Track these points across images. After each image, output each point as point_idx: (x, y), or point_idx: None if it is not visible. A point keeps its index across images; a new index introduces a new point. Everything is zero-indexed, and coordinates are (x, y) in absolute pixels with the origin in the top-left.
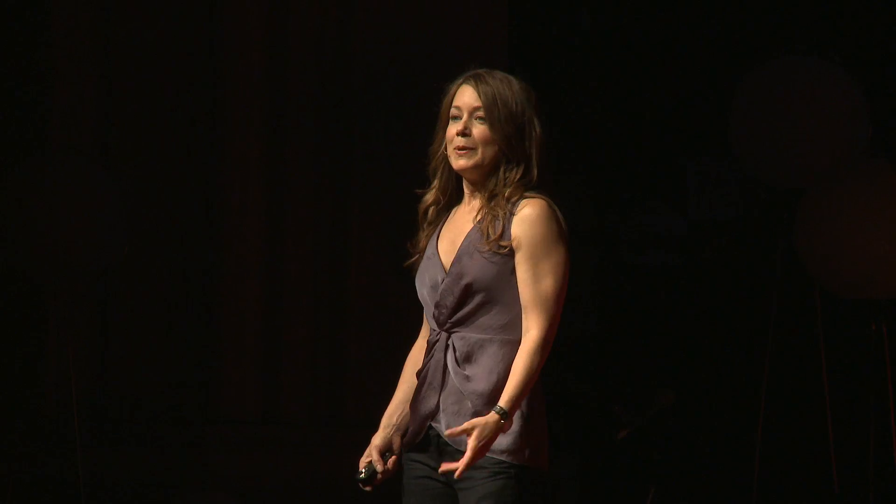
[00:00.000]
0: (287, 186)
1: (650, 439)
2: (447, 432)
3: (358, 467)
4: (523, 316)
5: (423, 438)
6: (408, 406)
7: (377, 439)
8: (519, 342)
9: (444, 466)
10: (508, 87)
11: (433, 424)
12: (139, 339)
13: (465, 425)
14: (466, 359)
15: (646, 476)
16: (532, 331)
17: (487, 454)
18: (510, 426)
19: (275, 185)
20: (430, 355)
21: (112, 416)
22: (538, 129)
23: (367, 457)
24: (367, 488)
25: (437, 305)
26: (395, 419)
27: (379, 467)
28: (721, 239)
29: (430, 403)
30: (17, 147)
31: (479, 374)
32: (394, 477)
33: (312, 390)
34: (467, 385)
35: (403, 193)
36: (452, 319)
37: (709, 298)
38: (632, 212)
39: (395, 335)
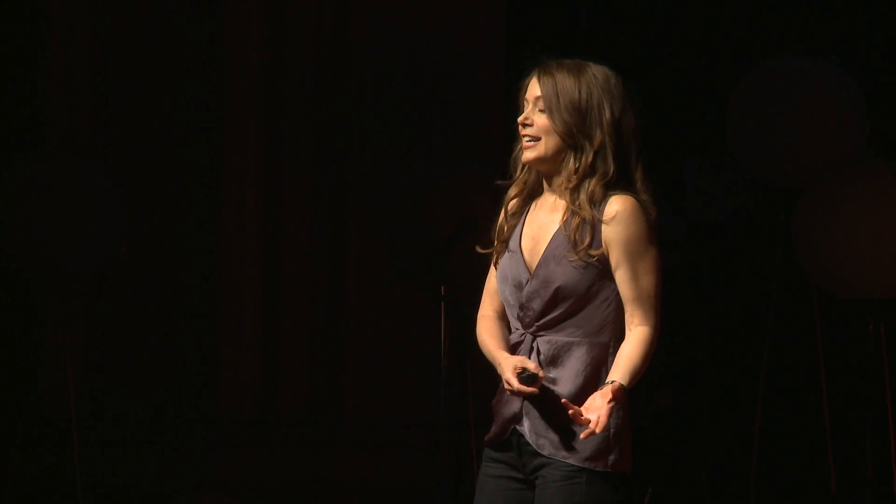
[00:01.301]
0: (286, 186)
1: (650, 439)
2: (571, 412)
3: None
4: (626, 313)
5: (505, 439)
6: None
7: (513, 357)
8: (605, 345)
9: (573, 411)
10: (576, 75)
11: (517, 427)
12: (137, 339)
13: (592, 405)
14: (552, 361)
15: (645, 476)
16: (642, 326)
17: (569, 460)
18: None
19: (274, 184)
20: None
21: (111, 416)
22: (608, 116)
23: (517, 367)
24: (533, 388)
25: (521, 307)
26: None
27: (539, 371)
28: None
29: (513, 407)
30: (14, 146)
31: (565, 377)
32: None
33: (311, 390)
34: (553, 388)
35: (403, 193)
36: (539, 323)
37: (707, 298)
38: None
39: (394, 335)
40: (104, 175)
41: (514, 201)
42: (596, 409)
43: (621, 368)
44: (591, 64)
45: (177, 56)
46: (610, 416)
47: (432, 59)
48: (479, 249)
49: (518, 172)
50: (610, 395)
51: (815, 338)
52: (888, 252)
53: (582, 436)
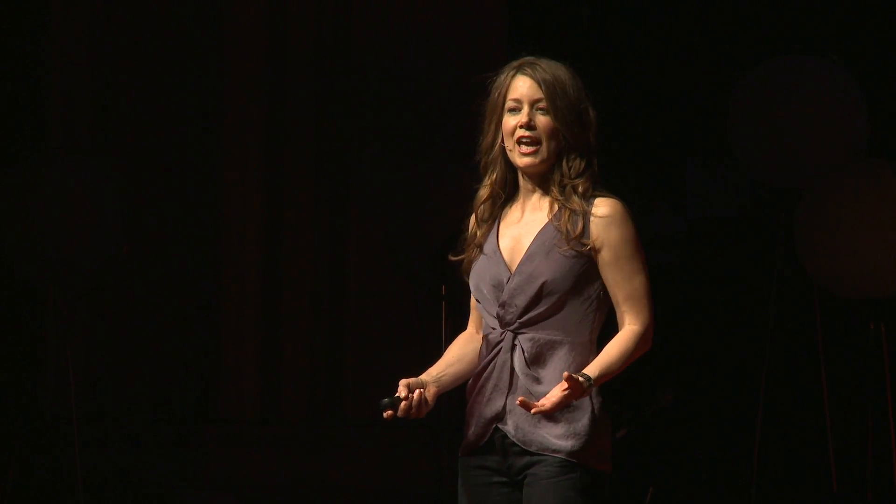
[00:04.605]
0: (287, 186)
1: (650, 439)
2: (538, 403)
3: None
4: (618, 314)
5: (486, 442)
6: (452, 369)
7: (407, 379)
8: (585, 344)
9: (522, 400)
10: (563, 73)
11: (499, 426)
12: (138, 339)
13: (557, 390)
14: (536, 360)
15: (645, 476)
16: (633, 325)
17: (554, 455)
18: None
19: (274, 184)
20: (494, 355)
21: (111, 416)
22: (593, 116)
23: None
24: (388, 413)
25: (503, 305)
26: (435, 373)
27: (403, 393)
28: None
29: (496, 405)
30: (15, 146)
31: (550, 377)
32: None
33: (312, 390)
34: (537, 387)
35: (403, 194)
36: (522, 319)
37: (708, 298)
38: (631, 211)
39: (394, 335)
40: (106, 174)
41: (488, 205)
42: (555, 396)
43: (595, 364)
44: (559, 63)
45: (178, 56)
46: (560, 402)
47: (433, 59)
48: (451, 258)
49: (489, 175)
50: (566, 385)
51: (815, 337)
52: (888, 252)
53: (532, 411)
